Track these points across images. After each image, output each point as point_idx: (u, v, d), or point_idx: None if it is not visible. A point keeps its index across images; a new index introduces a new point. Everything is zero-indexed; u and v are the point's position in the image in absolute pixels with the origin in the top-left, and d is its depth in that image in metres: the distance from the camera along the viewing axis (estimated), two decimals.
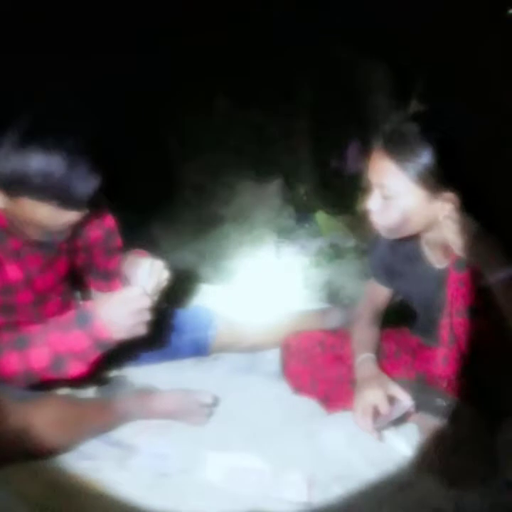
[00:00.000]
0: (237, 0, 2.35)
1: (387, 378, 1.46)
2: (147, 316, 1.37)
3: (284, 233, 2.45)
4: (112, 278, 1.64)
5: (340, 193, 2.50)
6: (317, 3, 2.35)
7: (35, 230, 1.38)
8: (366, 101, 2.48)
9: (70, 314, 1.38)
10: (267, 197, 2.54)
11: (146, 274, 1.40)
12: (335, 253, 2.36)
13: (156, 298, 1.41)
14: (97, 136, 1.35)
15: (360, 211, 2.40)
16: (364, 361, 1.51)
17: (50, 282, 1.55)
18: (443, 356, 1.42)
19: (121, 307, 1.35)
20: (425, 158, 1.28)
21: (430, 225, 1.36)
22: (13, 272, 1.45)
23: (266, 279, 2.09)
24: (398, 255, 1.53)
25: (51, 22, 2.08)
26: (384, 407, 1.41)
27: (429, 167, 1.28)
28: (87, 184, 1.29)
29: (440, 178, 1.29)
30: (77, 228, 1.51)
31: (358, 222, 2.41)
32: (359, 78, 2.46)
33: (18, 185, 1.27)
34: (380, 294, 1.65)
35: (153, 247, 2.22)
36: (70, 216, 1.34)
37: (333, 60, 2.41)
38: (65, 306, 1.64)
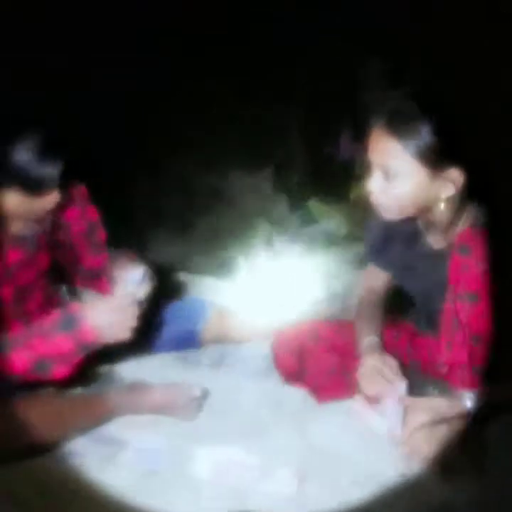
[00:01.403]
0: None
1: (393, 361, 1.46)
2: (134, 323, 1.39)
3: (276, 222, 2.44)
4: (98, 276, 1.63)
5: (333, 181, 2.49)
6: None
7: (12, 221, 1.39)
8: (359, 88, 2.47)
9: (55, 317, 1.38)
10: (259, 186, 2.54)
11: (137, 282, 1.42)
12: (328, 241, 2.35)
13: (143, 305, 1.43)
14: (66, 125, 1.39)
15: (353, 198, 2.42)
16: (370, 345, 1.50)
17: (32, 277, 1.54)
18: (446, 342, 1.40)
19: (109, 314, 1.37)
20: (427, 135, 1.27)
21: (431, 205, 1.35)
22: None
23: (259, 269, 2.08)
24: (394, 237, 1.51)
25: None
26: (388, 375, 1.41)
27: (431, 145, 1.27)
28: (46, 168, 1.31)
29: (442, 156, 1.28)
30: (56, 220, 1.50)
31: (351, 209, 2.40)
32: (352, 66, 2.45)
33: None
34: (379, 278, 1.63)
35: (143, 239, 2.25)
36: (39, 203, 1.36)
37: (326, 50, 2.39)
38: (47, 302, 1.63)
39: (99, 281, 1.64)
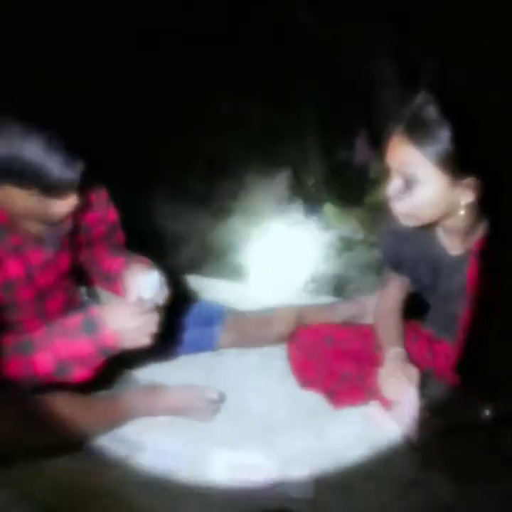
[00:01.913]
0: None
1: (415, 369, 1.46)
2: (154, 329, 1.39)
3: (292, 226, 2.44)
4: (114, 280, 1.63)
5: (349, 185, 2.49)
6: None
7: (31, 222, 1.39)
8: (375, 92, 2.46)
9: (77, 320, 1.38)
10: (275, 189, 2.53)
11: (154, 288, 1.42)
12: (344, 245, 2.34)
13: (163, 311, 1.43)
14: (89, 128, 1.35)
15: (369, 203, 2.42)
16: (395, 356, 1.50)
17: (52, 278, 1.55)
18: (459, 346, 1.42)
19: (130, 319, 1.37)
20: (447, 142, 1.26)
21: (451, 212, 1.35)
22: (14, 268, 1.45)
23: (274, 272, 2.08)
24: (411, 242, 1.50)
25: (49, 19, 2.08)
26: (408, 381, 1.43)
27: (452, 151, 1.26)
28: (65, 171, 1.29)
29: (462, 163, 1.27)
30: (77, 223, 1.51)
31: (366, 214, 2.39)
32: (367, 69, 2.44)
33: (1, 173, 1.28)
34: (398, 285, 1.63)
35: (160, 242, 2.26)
36: (59, 206, 1.35)
37: (340, 53, 2.38)
38: (68, 303, 1.64)
39: (116, 283, 1.63)
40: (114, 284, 1.64)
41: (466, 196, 1.31)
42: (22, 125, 1.26)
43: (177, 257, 2.22)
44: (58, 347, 1.35)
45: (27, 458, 1.37)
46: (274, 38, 2.39)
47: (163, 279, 1.46)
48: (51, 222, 1.40)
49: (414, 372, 1.46)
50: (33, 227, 1.43)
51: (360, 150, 2.48)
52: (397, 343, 1.53)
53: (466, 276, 1.41)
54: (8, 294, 1.46)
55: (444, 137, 1.26)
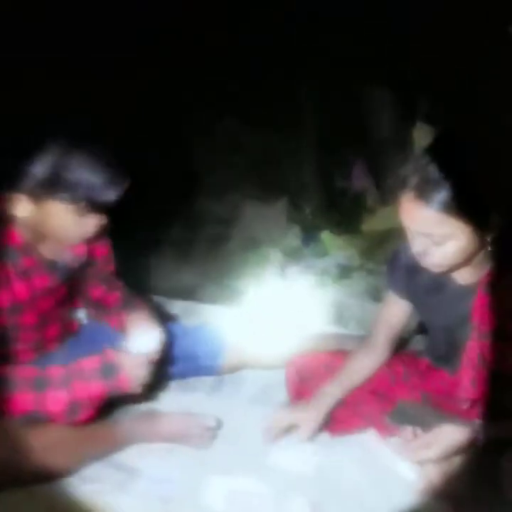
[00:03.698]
0: (242, 20, 2.37)
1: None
2: (149, 380, 1.51)
3: (289, 253, 2.45)
4: (106, 312, 1.69)
5: (346, 213, 2.51)
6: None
7: (51, 244, 1.44)
8: (371, 120, 2.49)
9: (94, 362, 1.44)
10: (272, 217, 2.55)
11: (155, 345, 1.53)
12: (341, 273, 2.36)
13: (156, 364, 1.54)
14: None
15: (365, 230, 2.44)
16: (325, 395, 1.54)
17: (51, 305, 1.56)
18: (470, 379, 1.40)
19: (142, 367, 1.46)
20: (459, 194, 1.25)
21: (478, 250, 1.35)
22: (21, 291, 1.46)
23: (272, 299, 2.08)
24: (420, 271, 1.48)
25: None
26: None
27: (466, 201, 1.26)
28: (115, 188, 1.36)
29: (483, 206, 1.28)
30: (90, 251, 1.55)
31: (364, 241, 2.41)
32: (364, 98, 2.47)
33: (51, 187, 1.32)
34: (397, 312, 1.61)
35: (158, 268, 2.27)
36: (90, 224, 1.40)
37: (337, 81, 2.42)
38: (65, 331, 1.66)
39: (110, 316, 1.68)
40: (106, 316, 1.69)
41: (490, 234, 1.31)
42: (71, 141, 1.34)
43: (174, 282, 2.23)
44: (74, 387, 1.40)
45: (22, 484, 1.37)
46: (274, 65, 2.42)
47: (162, 336, 1.55)
48: (76, 241, 1.45)
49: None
50: (50, 251, 1.47)
51: (358, 178, 2.51)
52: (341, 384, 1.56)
53: (473, 307, 1.41)
54: (14, 317, 1.47)
55: (455, 191, 1.25)
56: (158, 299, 2.05)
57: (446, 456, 1.37)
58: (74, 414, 1.41)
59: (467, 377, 1.41)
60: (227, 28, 2.37)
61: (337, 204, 2.55)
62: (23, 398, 1.37)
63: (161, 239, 2.40)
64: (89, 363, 1.44)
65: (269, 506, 1.37)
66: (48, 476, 1.40)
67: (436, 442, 1.36)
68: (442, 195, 1.25)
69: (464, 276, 1.44)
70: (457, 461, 1.38)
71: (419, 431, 1.43)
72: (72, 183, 1.32)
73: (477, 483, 1.35)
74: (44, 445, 1.38)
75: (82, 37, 2.08)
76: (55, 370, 1.42)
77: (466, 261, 1.37)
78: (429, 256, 1.34)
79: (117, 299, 1.68)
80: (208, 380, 1.79)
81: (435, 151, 1.32)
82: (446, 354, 1.54)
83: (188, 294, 2.18)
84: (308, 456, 1.52)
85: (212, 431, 1.56)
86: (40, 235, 1.42)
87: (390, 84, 2.44)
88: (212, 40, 2.35)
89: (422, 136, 2.33)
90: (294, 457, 1.51)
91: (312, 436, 1.52)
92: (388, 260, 1.61)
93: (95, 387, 1.42)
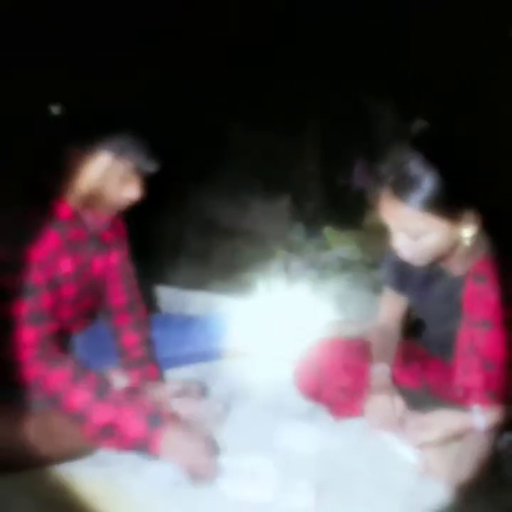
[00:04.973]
0: (245, 22, 2.40)
1: (400, 401, 1.52)
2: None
3: (293, 247, 2.49)
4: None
5: (348, 209, 2.54)
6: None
7: (95, 207, 1.50)
8: (372, 120, 2.51)
9: (149, 407, 1.43)
10: (277, 213, 2.59)
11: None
12: (343, 266, 2.40)
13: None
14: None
15: (367, 226, 2.47)
16: (379, 375, 1.56)
17: (88, 280, 1.62)
18: (462, 368, 1.44)
19: (182, 450, 1.40)
20: (439, 191, 1.29)
21: (457, 244, 1.39)
22: (66, 265, 1.52)
23: (276, 292, 2.13)
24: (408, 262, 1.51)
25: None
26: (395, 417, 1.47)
27: (446, 198, 1.29)
28: (156, 158, 1.48)
29: (457, 204, 1.32)
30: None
31: (365, 236, 2.45)
32: (366, 98, 2.50)
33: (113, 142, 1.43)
34: (397, 303, 1.67)
35: (167, 262, 2.32)
36: (130, 190, 1.49)
37: (340, 83, 2.44)
38: (95, 306, 1.72)
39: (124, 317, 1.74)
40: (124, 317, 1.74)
41: (468, 229, 1.36)
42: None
43: (183, 277, 2.28)
44: (121, 411, 1.38)
45: (38, 465, 1.40)
46: (277, 64, 2.45)
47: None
48: (116, 206, 1.51)
49: (399, 403, 1.51)
50: (92, 217, 1.54)
51: (359, 175, 2.53)
52: (385, 361, 1.58)
53: (463, 298, 1.44)
54: (54, 291, 1.50)
55: (432, 186, 1.29)
56: (169, 290, 2.10)
57: (445, 441, 1.40)
58: (105, 436, 1.39)
59: (459, 365, 1.44)
60: (227, 28, 2.40)
61: (339, 201, 2.58)
62: (81, 397, 1.38)
63: (173, 238, 2.45)
64: (145, 403, 1.45)
65: (275, 487, 1.39)
66: (63, 457, 1.42)
67: (433, 425, 1.40)
68: (418, 193, 1.29)
69: (457, 268, 1.48)
70: (457, 445, 1.40)
71: (417, 414, 1.47)
72: (124, 144, 1.43)
73: (486, 471, 1.36)
74: (60, 426, 1.40)
75: (81, 37, 2.13)
76: (116, 391, 1.44)
77: (449, 253, 1.41)
78: (408, 250, 1.38)
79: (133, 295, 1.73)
80: (214, 363, 1.85)
81: (413, 148, 1.33)
82: (443, 343, 1.57)
83: (197, 286, 2.22)
84: (312, 439, 1.55)
85: (220, 415, 1.60)
86: (87, 197, 1.48)
87: (390, 82, 2.47)
88: (214, 39, 2.38)
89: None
90: (299, 440, 1.54)
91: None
92: (384, 259, 1.65)
93: (136, 425, 1.38)
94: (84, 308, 1.67)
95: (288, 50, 2.44)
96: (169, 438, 1.38)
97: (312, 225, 2.55)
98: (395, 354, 1.62)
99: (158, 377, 1.69)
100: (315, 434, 1.57)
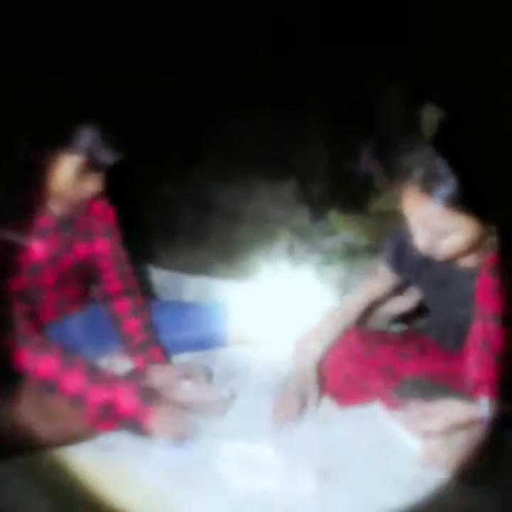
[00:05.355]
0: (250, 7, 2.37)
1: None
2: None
3: (298, 232, 2.48)
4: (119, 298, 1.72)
5: (354, 193, 2.53)
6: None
7: (59, 201, 1.49)
8: (380, 102, 2.50)
9: (140, 384, 1.47)
10: (282, 197, 2.58)
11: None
12: (348, 251, 2.39)
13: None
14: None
15: (373, 210, 2.46)
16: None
17: (69, 265, 1.62)
18: (474, 360, 1.43)
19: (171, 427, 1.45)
20: (469, 189, 1.27)
21: (482, 239, 1.38)
22: (39, 251, 1.52)
23: (280, 276, 2.12)
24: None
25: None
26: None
27: (475, 197, 1.27)
28: (112, 152, 1.46)
29: (485, 203, 1.30)
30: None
31: (371, 221, 2.43)
32: (373, 81, 2.47)
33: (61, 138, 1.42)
34: (384, 281, 1.64)
35: (170, 245, 2.31)
36: (88, 185, 1.47)
37: (346, 65, 2.42)
38: (84, 293, 1.71)
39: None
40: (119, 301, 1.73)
41: (492, 228, 1.35)
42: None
43: (185, 260, 2.27)
44: (116, 389, 1.41)
45: (40, 448, 1.40)
46: (282, 50, 2.43)
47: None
48: (75, 201, 1.51)
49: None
50: (58, 209, 1.53)
51: (366, 160, 2.52)
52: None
53: (476, 289, 1.43)
54: (32, 278, 1.52)
55: (460, 186, 1.26)
56: (172, 274, 2.09)
57: (449, 431, 1.39)
58: (104, 417, 1.41)
59: (471, 358, 1.44)
60: (231, 20, 2.37)
61: (346, 185, 2.56)
62: (73, 380, 1.39)
63: (174, 218, 2.43)
64: (133, 383, 1.47)
65: (278, 473, 1.41)
66: (66, 441, 1.43)
67: (437, 414, 1.39)
68: (447, 190, 1.27)
69: (467, 260, 1.46)
70: (464, 434, 1.39)
71: (422, 403, 1.46)
72: (76, 137, 1.41)
73: (487, 458, 1.37)
74: (63, 409, 1.41)
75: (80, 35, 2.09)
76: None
77: (471, 249, 1.39)
78: (433, 247, 1.36)
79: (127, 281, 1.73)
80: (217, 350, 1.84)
81: (441, 143, 1.31)
82: (449, 333, 1.58)
83: (200, 270, 2.21)
84: (316, 426, 1.55)
85: (226, 401, 1.60)
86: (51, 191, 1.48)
87: (398, 66, 2.44)
88: (220, 29, 2.36)
89: (430, 117, 2.34)
90: (302, 427, 1.55)
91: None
92: (389, 236, 1.62)
93: (129, 400, 1.41)
94: (70, 294, 1.67)
95: (295, 35, 2.41)
96: (160, 415, 1.42)
97: (318, 209, 2.54)
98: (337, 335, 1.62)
99: (163, 359, 1.69)
100: (318, 421, 1.58)
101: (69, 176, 1.45)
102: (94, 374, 1.42)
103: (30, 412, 1.39)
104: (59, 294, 1.63)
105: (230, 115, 2.54)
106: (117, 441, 1.46)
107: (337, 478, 1.41)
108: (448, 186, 1.27)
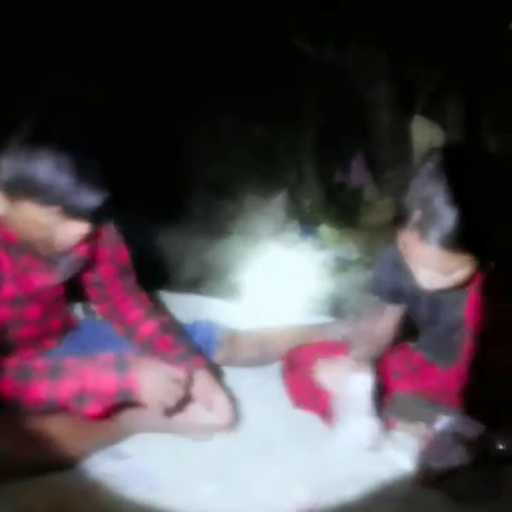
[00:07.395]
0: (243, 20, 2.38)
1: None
2: (171, 402, 1.45)
3: (288, 246, 2.47)
4: (138, 339, 1.66)
5: (344, 207, 2.53)
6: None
7: (42, 245, 1.38)
8: (370, 115, 2.50)
9: (109, 356, 1.43)
10: (272, 210, 2.57)
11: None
12: (338, 266, 2.38)
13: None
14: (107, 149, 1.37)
15: (363, 224, 2.46)
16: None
17: (55, 299, 1.58)
18: (462, 376, 1.43)
19: (159, 375, 1.43)
20: (469, 229, 1.22)
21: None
22: (21, 287, 1.46)
23: (270, 291, 2.11)
24: (410, 276, 1.44)
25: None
26: None
27: (475, 234, 1.24)
28: (93, 194, 1.28)
29: (486, 240, 1.27)
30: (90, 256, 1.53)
31: (361, 235, 2.43)
32: (363, 92, 2.48)
33: (21, 188, 1.27)
34: (392, 313, 1.61)
35: (160, 258, 2.29)
36: (71, 231, 1.34)
37: (337, 75, 2.43)
38: (65, 326, 1.67)
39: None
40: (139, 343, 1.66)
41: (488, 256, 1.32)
42: (51, 141, 1.26)
43: (176, 276, 2.25)
44: (85, 376, 1.38)
45: (27, 474, 1.37)
46: (274, 61, 2.43)
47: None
48: (60, 248, 1.39)
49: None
50: (44, 250, 1.41)
51: (356, 172, 2.52)
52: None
53: (466, 309, 1.43)
54: (17, 310, 1.47)
55: (459, 227, 1.22)
56: (160, 293, 2.07)
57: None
58: (81, 404, 1.38)
59: (459, 373, 1.44)
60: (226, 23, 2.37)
61: (335, 198, 2.57)
62: (39, 387, 1.37)
63: (163, 232, 2.42)
64: (104, 356, 1.43)
65: (269, 496, 1.38)
66: (53, 466, 1.40)
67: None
68: (446, 233, 1.22)
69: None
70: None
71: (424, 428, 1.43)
72: (44, 186, 1.25)
73: (478, 476, 1.36)
74: (51, 434, 1.39)
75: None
76: (70, 360, 1.42)
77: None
78: (431, 284, 1.34)
79: (155, 328, 1.65)
80: None
81: (438, 176, 1.24)
82: (441, 351, 1.56)
83: (189, 287, 2.19)
84: (308, 444, 1.54)
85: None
86: (26, 236, 1.36)
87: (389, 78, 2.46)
88: (213, 34, 2.36)
89: (419, 129, 2.34)
90: (294, 448, 1.53)
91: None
92: (375, 267, 1.60)
93: (105, 379, 1.39)
94: (52, 329, 1.62)
95: (287, 44, 2.41)
96: (142, 375, 1.40)
97: (308, 222, 2.53)
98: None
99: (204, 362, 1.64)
100: (308, 440, 1.56)
101: (47, 224, 1.31)
102: (54, 371, 1.39)
103: (9, 441, 1.37)
104: (41, 328, 1.57)
105: (220, 128, 2.54)
106: (101, 464, 1.44)
107: (329, 497, 1.39)
108: (447, 230, 1.22)
